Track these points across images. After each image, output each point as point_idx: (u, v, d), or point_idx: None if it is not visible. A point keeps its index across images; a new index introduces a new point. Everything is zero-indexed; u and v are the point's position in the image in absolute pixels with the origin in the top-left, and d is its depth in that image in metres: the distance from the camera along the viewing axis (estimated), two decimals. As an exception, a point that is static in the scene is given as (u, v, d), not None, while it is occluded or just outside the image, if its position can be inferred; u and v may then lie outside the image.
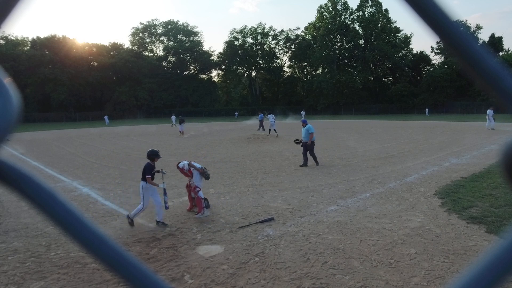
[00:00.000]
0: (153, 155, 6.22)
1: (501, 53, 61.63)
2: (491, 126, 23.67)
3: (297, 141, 11.83)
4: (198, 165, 6.67)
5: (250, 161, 12.66)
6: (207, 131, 30.16)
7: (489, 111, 23.86)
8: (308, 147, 11.38)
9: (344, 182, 8.95)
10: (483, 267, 0.27)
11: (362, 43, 71.10)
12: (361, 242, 5.05)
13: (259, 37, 77.06)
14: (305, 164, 11.32)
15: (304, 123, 11.66)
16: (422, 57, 70.05)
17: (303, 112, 41.54)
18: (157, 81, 69.89)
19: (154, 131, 31.24)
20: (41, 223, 6.19)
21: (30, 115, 56.96)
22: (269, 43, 78.40)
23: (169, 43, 76.54)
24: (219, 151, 15.94)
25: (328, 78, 67.24)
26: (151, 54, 77.48)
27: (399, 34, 70.82)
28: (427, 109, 52.30)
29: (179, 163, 6.95)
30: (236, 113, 59.09)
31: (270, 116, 25.83)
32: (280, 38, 78.13)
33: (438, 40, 0.29)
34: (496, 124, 23.71)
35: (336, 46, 71.17)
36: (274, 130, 24.65)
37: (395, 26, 70.38)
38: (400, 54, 69.50)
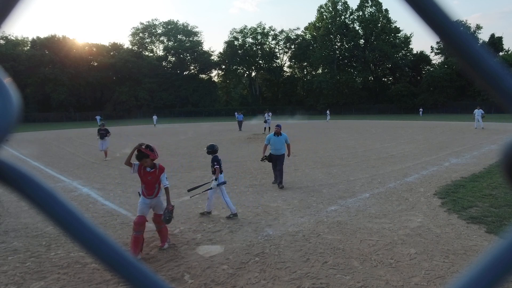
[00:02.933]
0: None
1: (501, 53, 61.65)
2: (480, 126, 23.86)
3: (265, 158, 8.80)
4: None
5: (250, 161, 12.66)
6: (207, 131, 30.17)
7: (477, 111, 24.11)
8: (279, 161, 8.66)
9: (344, 182, 8.95)
10: (483, 267, 0.27)
11: (362, 43, 71.16)
12: (361, 242, 5.05)
13: (259, 37, 77.13)
14: (281, 181, 8.67)
15: (279, 129, 8.73)
16: (422, 57, 70.10)
17: (328, 112, 41.29)
18: (157, 81, 69.94)
19: (153, 131, 31.25)
20: (41, 223, 6.19)
21: (30, 115, 56.99)
22: (269, 43, 78.49)
23: (169, 43, 76.61)
24: (219, 152, 15.93)
25: (328, 78, 67.28)
26: (151, 54, 77.56)
27: (399, 34, 70.91)
28: (421, 109, 52.53)
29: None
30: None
31: (267, 114, 26.14)
32: (280, 38, 78.25)
33: (438, 40, 0.29)
34: (496, 124, 23.73)
35: (336, 46, 71.23)
36: (267, 128, 25.25)
37: (395, 26, 70.47)
38: (400, 54, 69.58)
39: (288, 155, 9.09)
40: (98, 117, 49.53)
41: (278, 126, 8.84)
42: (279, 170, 8.67)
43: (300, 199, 7.48)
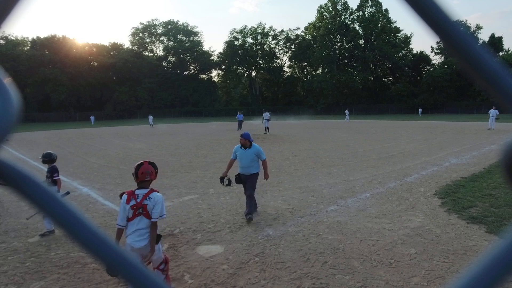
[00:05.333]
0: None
1: (501, 53, 61.68)
2: (489, 126, 23.70)
3: (229, 182, 6.40)
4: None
5: (250, 161, 12.64)
6: (207, 131, 30.17)
7: (492, 111, 23.75)
8: (251, 181, 6.24)
9: (344, 182, 8.95)
10: (483, 267, 0.27)
11: (362, 43, 71.20)
12: (361, 242, 5.05)
13: (259, 37, 77.18)
14: (250, 211, 6.17)
15: (248, 140, 6.26)
16: (422, 57, 70.14)
17: (347, 111, 40.83)
18: (157, 81, 69.95)
19: (153, 131, 31.25)
20: (41, 223, 6.18)
21: (30, 115, 56.97)
22: (269, 43, 78.54)
23: (169, 43, 76.63)
24: (219, 151, 15.93)
25: (328, 78, 67.32)
26: (151, 54, 77.56)
27: (399, 34, 70.95)
28: (420, 109, 52.71)
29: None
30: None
31: (265, 114, 26.01)
32: (280, 38, 78.30)
33: (438, 40, 0.29)
34: (496, 124, 23.70)
35: (336, 46, 71.27)
36: (266, 127, 25.17)
37: (395, 26, 70.52)
38: (400, 54, 69.63)
39: (265, 177, 6.51)
40: (92, 117, 49.61)
41: (244, 136, 6.31)
42: (249, 195, 6.19)
43: (300, 199, 7.48)
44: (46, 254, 4.95)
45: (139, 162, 3.63)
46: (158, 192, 3.61)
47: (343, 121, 41.29)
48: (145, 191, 3.55)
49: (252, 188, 6.22)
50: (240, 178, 6.35)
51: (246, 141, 6.22)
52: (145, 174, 3.55)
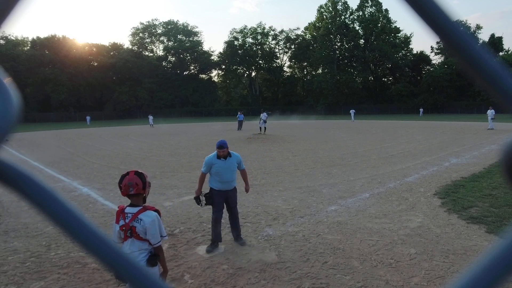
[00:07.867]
0: None
1: (501, 53, 61.71)
2: (489, 126, 23.69)
3: (206, 197, 5.01)
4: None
5: (250, 161, 12.65)
6: (207, 131, 30.17)
7: (490, 111, 23.76)
8: (230, 199, 5.12)
9: (344, 182, 8.94)
10: (483, 267, 0.27)
11: (362, 43, 71.24)
12: (361, 242, 5.05)
13: (259, 37, 77.19)
14: (217, 239, 5.02)
15: (225, 148, 4.94)
16: (422, 57, 70.17)
17: (352, 111, 40.46)
18: (157, 81, 69.94)
19: (153, 132, 31.24)
20: (41, 223, 6.18)
21: (30, 115, 56.96)
22: (269, 43, 78.55)
23: (169, 43, 76.63)
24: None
25: (328, 78, 67.34)
26: (151, 54, 77.56)
27: (399, 34, 70.99)
28: (421, 109, 52.82)
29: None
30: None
31: (263, 115, 25.69)
32: (280, 38, 78.32)
33: (438, 40, 0.29)
34: (496, 124, 23.70)
35: (336, 46, 71.29)
36: (263, 128, 24.84)
37: (395, 26, 70.57)
38: (400, 54, 69.67)
39: (246, 189, 5.45)
40: (88, 118, 49.65)
41: (222, 144, 4.92)
42: (234, 215, 5.16)
43: (300, 199, 7.47)
44: (46, 254, 4.95)
45: (125, 172, 3.00)
46: (153, 209, 2.94)
47: (343, 121, 41.27)
48: (135, 209, 2.89)
49: (236, 205, 5.19)
50: (211, 196, 4.99)
51: (226, 150, 4.94)
52: (127, 187, 2.86)
